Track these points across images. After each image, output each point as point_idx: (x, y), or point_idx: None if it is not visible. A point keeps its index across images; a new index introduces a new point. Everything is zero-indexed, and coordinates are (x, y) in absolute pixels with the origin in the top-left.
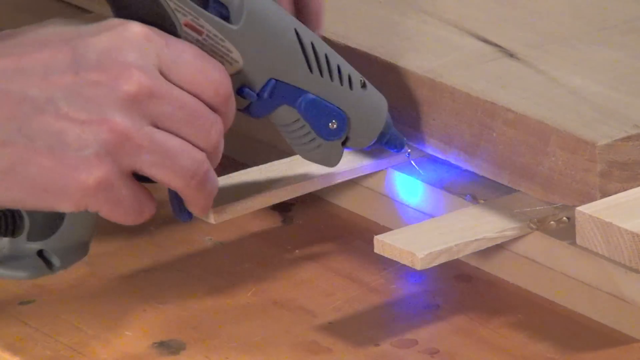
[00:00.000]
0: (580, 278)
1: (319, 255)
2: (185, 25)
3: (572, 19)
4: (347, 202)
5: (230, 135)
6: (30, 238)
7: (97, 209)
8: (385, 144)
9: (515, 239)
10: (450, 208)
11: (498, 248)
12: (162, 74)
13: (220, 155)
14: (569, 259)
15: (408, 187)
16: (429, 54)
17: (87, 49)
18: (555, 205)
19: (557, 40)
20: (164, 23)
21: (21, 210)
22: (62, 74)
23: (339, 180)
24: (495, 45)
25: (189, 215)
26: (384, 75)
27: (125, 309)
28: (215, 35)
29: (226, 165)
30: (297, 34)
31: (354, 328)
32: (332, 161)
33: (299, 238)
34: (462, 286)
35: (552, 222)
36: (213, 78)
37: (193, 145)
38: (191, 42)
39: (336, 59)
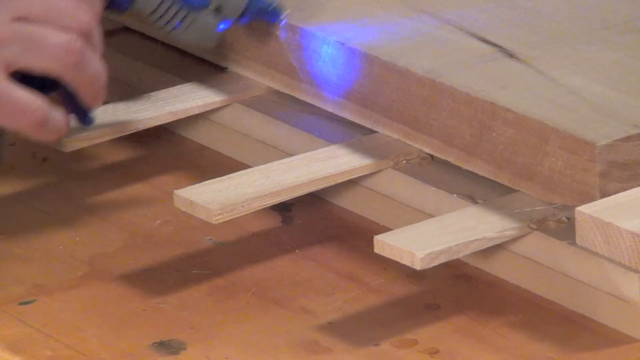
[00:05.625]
0: (580, 278)
1: (319, 255)
2: None
3: (572, 19)
4: (347, 202)
5: (229, 134)
6: None
7: None
8: (260, 13)
9: (515, 239)
10: (450, 208)
11: (498, 248)
12: None
13: (97, 39)
14: (569, 259)
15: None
16: (429, 54)
17: None
18: (555, 205)
19: (557, 40)
20: None
21: None
22: None
23: (339, 180)
24: (495, 45)
25: (89, 117)
26: (384, 75)
27: (125, 309)
28: None
29: (226, 165)
30: None
31: (354, 328)
32: (209, 35)
33: (299, 238)
34: (462, 286)
35: (552, 222)
36: None
37: (59, 28)
38: None
39: None
